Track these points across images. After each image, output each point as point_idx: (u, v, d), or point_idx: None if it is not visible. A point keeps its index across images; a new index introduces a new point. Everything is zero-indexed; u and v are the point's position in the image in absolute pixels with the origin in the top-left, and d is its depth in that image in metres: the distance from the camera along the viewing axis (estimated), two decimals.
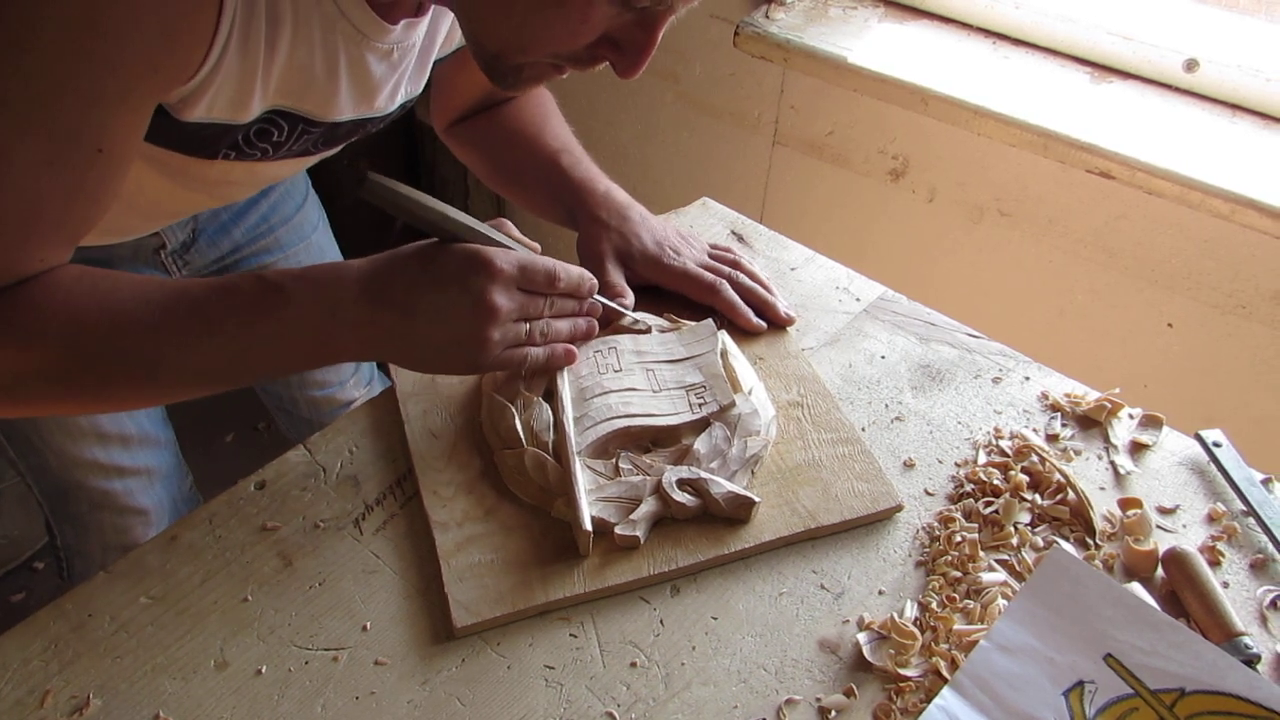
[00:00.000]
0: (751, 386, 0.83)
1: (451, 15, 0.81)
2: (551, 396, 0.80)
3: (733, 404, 0.79)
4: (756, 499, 0.75)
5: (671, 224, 0.98)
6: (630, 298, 0.89)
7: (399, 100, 0.86)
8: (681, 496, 0.74)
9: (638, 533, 0.72)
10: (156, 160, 0.77)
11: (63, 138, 0.62)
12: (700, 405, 0.80)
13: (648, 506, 0.74)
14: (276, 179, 1.01)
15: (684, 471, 0.75)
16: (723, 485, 0.74)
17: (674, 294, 0.93)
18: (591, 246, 0.93)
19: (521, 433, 0.77)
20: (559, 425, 0.77)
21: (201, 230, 1.04)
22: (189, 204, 0.94)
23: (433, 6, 0.79)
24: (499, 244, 0.76)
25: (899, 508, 0.77)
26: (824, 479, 0.78)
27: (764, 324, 0.92)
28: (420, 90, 0.90)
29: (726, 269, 0.94)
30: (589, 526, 0.71)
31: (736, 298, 0.92)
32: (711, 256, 0.96)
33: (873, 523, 0.77)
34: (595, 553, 0.73)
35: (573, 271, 0.79)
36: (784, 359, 0.89)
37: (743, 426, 0.79)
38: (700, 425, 0.79)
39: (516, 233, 0.82)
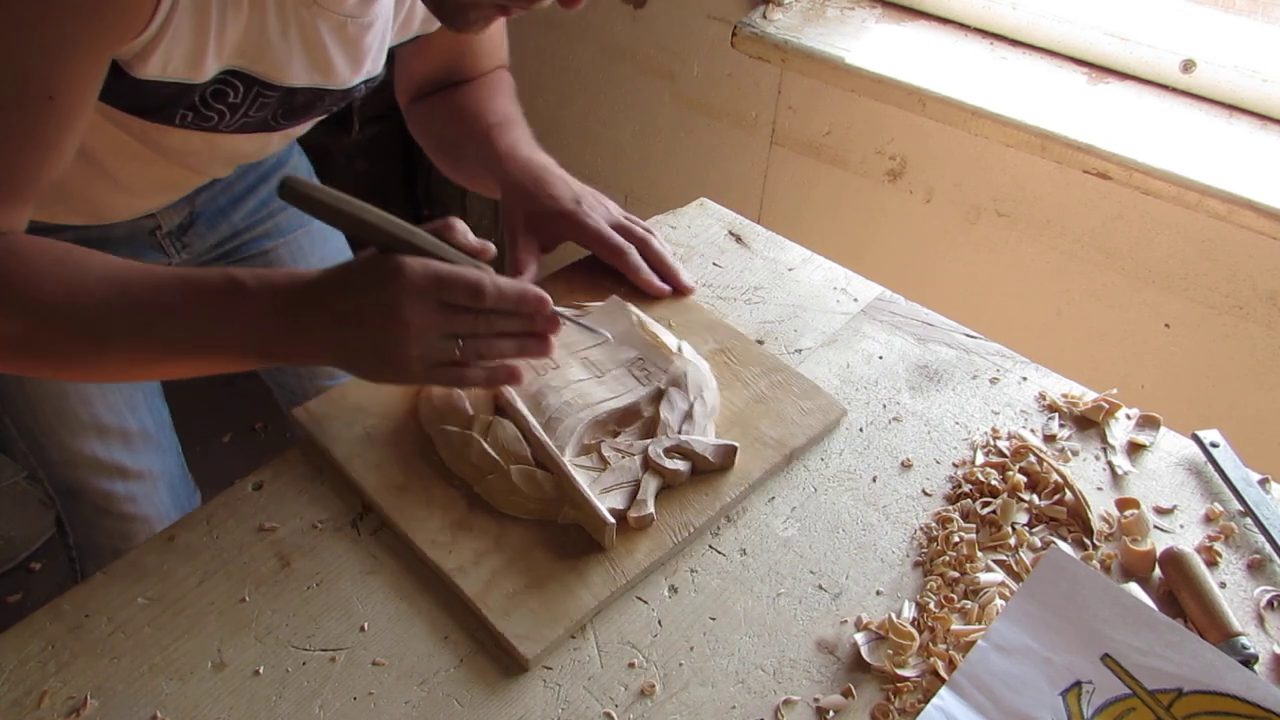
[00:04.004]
0: (679, 344, 0.86)
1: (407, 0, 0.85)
2: (505, 412, 0.79)
3: (676, 367, 0.82)
4: (736, 444, 0.78)
5: (588, 187, 0.99)
6: (532, 271, 0.91)
7: (360, 77, 0.87)
8: (674, 463, 0.76)
9: (651, 510, 0.74)
10: (120, 123, 0.80)
11: (11, 84, 0.65)
12: (647, 377, 0.82)
13: (648, 482, 0.75)
14: (241, 154, 1.01)
15: (666, 441, 0.77)
16: (705, 441, 0.77)
17: (580, 273, 0.95)
18: (507, 216, 0.94)
19: (495, 454, 0.76)
20: (530, 436, 0.77)
21: (199, 213, 1.06)
22: (163, 175, 0.94)
23: None
24: (427, 250, 0.72)
25: (844, 412, 0.84)
26: (774, 409, 0.84)
27: (667, 288, 0.94)
28: (380, 71, 0.90)
29: (640, 232, 0.97)
30: (611, 519, 0.72)
31: (642, 262, 0.94)
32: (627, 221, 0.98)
33: (831, 432, 0.84)
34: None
35: (509, 287, 0.74)
36: (689, 313, 0.93)
37: (694, 384, 0.81)
38: (654, 396, 0.81)
39: (467, 236, 0.77)
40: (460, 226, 0.77)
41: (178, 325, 0.72)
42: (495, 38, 1.07)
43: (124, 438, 1.08)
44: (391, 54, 0.92)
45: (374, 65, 0.88)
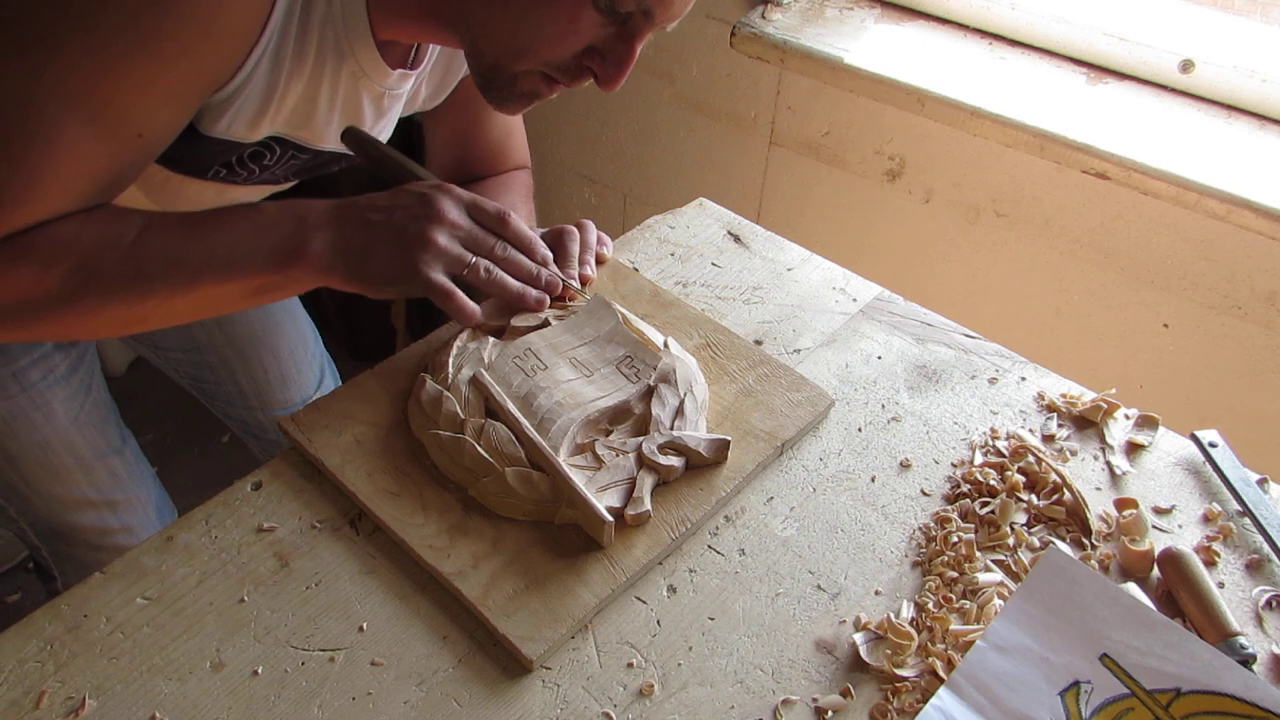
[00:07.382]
0: (665, 340, 0.86)
1: (420, 81, 0.93)
2: (497, 414, 0.79)
3: (664, 363, 0.82)
4: (729, 438, 0.79)
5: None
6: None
7: None
8: (668, 460, 0.76)
9: (648, 507, 0.74)
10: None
11: (111, 116, 0.69)
12: (636, 374, 0.82)
13: (644, 479, 0.75)
14: (232, 202, 1.05)
15: (659, 437, 0.77)
16: (698, 436, 0.78)
17: None
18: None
19: (489, 457, 0.76)
20: (523, 438, 0.76)
21: None
22: None
23: (420, 66, 0.89)
24: None
25: (833, 402, 0.85)
26: (763, 401, 0.84)
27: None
28: (386, 140, 0.96)
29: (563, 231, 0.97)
30: (609, 517, 0.72)
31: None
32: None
33: (821, 422, 0.85)
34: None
35: (528, 231, 0.85)
36: (669, 309, 0.93)
37: (683, 379, 0.82)
38: (644, 393, 0.81)
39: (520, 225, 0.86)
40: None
41: (202, 237, 0.76)
42: (515, 137, 1.10)
43: (109, 471, 1.09)
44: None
45: (387, 134, 0.95)
